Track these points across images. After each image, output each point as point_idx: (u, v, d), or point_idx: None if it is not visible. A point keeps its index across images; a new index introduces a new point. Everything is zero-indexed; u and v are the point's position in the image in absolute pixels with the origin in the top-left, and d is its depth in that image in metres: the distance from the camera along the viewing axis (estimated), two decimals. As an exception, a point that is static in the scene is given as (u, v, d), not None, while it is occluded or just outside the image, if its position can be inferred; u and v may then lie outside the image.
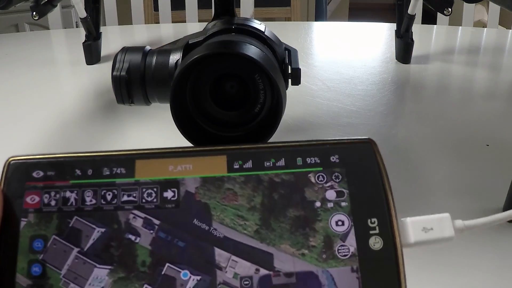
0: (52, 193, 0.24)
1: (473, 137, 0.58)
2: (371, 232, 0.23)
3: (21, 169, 0.25)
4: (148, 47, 0.46)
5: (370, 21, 1.17)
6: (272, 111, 0.42)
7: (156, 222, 0.24)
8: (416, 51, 0.86)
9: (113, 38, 1.06)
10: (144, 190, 0.24)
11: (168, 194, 0.24)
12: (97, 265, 0.23)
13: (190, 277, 0.23)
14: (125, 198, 0.24)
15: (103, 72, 0.82)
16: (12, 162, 0.25)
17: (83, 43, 0.82)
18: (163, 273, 0.23)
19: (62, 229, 0.23)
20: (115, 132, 0.60)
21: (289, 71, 0.45)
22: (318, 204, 0.24)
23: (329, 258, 0.23)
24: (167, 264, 0.23)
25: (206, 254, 0.23)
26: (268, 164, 0.25)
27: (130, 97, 0.44)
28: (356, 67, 0.83)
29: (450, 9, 0.73)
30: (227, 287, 0.23)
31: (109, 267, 0.23)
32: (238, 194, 0.24)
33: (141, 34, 1.13)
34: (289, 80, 0.45)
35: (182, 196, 0.24)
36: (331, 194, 0.24)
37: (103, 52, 0.87)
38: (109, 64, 0.81)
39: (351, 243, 0.23)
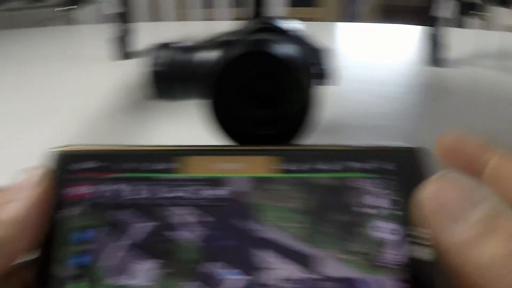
0: (103, 185, 0.24)
1: (504, 143, 0.57)
2: (424, 243, 0.22)
3: (71, 159, 0.24)
4: (185, 43, 0.46)
5: (402, 23, 1.16)
6: (304, 111, 0.42)
7: (208, 219, 0.23)
8: (447, 54, 0.86)
9: (143, 35, 1.06)
10: (197, 186, 0.24)
11: (221, 191, 0.24)
12: (146, 260, 0.23)
13: (239, 277, 0.23)
14: (178, 193, 0.24)
15: (132, 67, 0.82)
16: (62, 152, 0.24)
17: (114, 38, 0.83)
18: (212, 271, 0.23)
19: (111, 222, 0.23)
20: (148, 128, 0.60)
21: (323, 72, 0.45)
22: (372, 211, 0.23)
23: (378, 266, 0.22)
24: (217, 263, 0.23)
25: (255, 255, 0.23)
26: (323, 167, 0.24)
27: (166, 92, 0.44)
28: (387, 69, 0.83)
29: (483, 13, 0.73)
30: None
31: (158, 262, 0.23)
32: (290, 196, 0.24)
33: (171, 31, 1.13)
34: (323, 81, 0.45)
35: (235, 195, 0.24)
36: (385, 202, 0.23)
37: (133, 48, 0.88)
38: (139, 60, 0.82)
39: (403, 252, 0.23)
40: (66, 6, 0.76)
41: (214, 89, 0.40)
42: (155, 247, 0.23)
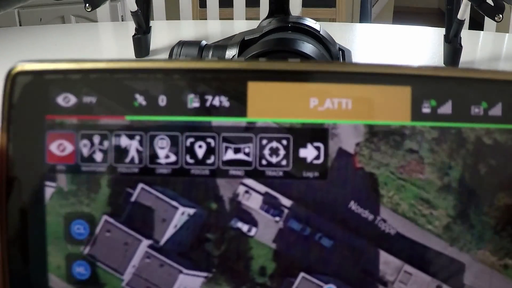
0: (96, 138, 0.14)
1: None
2: None
3: (36, 90, 0.14)
4: (204, 42, 0.46)
5: (414, 24, 1.16)
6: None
7: (286, 202, 0.14)
8: (463, 56, 0.86)
9: (161, 33, 1.07)
10: (264, 142, 0.14)
11: (308, 152, 0.14)
12: (184, 270, 0.14)
13: None
14: (230, 155, 0.14)
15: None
16: (20, 75, 0.14)
17: (133, 36, 0.84)
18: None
19: (119, 205, 0.14)
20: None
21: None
22: None
23: None
24: (302, 275, 0.14)
25: (365, 260, 0.14)
26: (476, 110, 0.14)
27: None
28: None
29: (501, 16, 0.73)
30: None
31: (205, 274, 0.14)
32: (426, 162, 0.14)
33: (188, 29, 1.14)
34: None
35: (333, 159, 0.14)
36: None
37: (151, 46, 0.89)
38: (158, 57, 0.82)
39: None
40: (87, 3, 0.77)
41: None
42: (198, 250, 0.14)
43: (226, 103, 0.14)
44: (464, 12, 0.77)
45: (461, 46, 0.82)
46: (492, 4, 0.71)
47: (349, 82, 0.14)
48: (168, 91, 0.14)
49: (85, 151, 0.14)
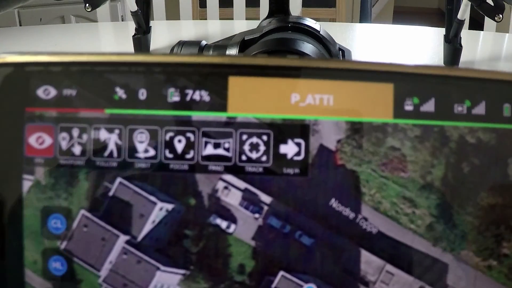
0: (75, 131, 0.14)
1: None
2: None
3: (16, 82, 0.14)
4: (204, 42, 0.46)
5: (414, 24, 1.16)
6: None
7: (266, 199, 0.14)
8: (463, 56, 0.85)
9: (161, 33, 1.07)
10: (244, 137, 0.14)
11: (289, 148, 0.14)
12: (162, 267, 0.14)
13: None
14: (210, 150, 0.14)
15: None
16: (1, 67, 0.14)
17: (133, 36, 0.84)
18: (273, 286, 0.14)
19: (96, 200, 0.14)
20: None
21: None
22: None
23: None
24: (281, 273, 0.14)
25: (346, 259, 0.14)
26: (460, 109, 0.14)
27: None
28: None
29: (501, 16, 0.73)
30: None
31: (183, 271, 0.14)
32: (409, 160, 0.14)
33: (188, 29, 1.14)
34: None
35: (314, 155, 0.14)
36: None
37: (151, 46, 0.89)
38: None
39: None
40: (87, 3, 0.77)
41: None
42: (176, 246, 0.14)
43: (206, 97, 0.14)
44: (464, 12, 0.77)
45: (461, 46, 0.82)
46: (492, 4, 0.71)
47: (331, 78, 0.14)
48: (148, 85, 0.14)
49: (64, 144, 0.14)
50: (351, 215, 0.14)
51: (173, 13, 1.27)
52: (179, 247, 0.14)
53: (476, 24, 1.19)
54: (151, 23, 0.92)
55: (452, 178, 0.14)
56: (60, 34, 1.06)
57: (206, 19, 1.25)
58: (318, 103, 0.14)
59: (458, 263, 0.14)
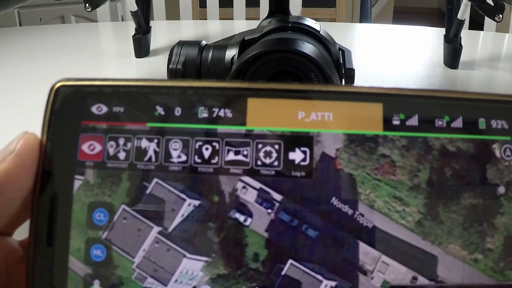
0: (121, 140, 0.17)
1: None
2: None
3: (74, 100, 0.17)
4: (204, 42, 0.46)
5: (414, 24, 1.16)
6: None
7: (277, 197, 0.16)
8: (463, 56, 0.85)
9: (161, 33, 1.07)
10: (260, 146, 0.17)
11: (296, 155, 0.17)
12: (188, 255, 0.16)
13: (322, 281, 0.16)
14: (231, 156, 0.17)
15: (152, 65, 0.82)
16: (62, 88, 0.17)
17: (133, 36, 0.83)
18: (283, 273, 0.16)
19: (135, 197, 0.16)
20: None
21: (343, 71, 0.45)
22: (501, 190, 0.16)
23: (508, 268, 0.16)
24: (290, 261, 0.16)
25: (346, 250, 0.16)
26: (440, 123, 0.17)
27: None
28: (404, 70, 0.83)
29: (501, 16, 0.72)
30: None
31: (205, 258, 0.16)
32: (397, 165, 0.17)
33: (188, 29, 1.14)
34: (343, 80, 0.46)
35: (317, 161, 0.17)
36: None
37: (151, 46, 0.89)
38: (158, 57, 0.81)
39: None
40: (87, 3, 0.77)
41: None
42: (201, 236, 0.16)
43: (229, 114, 0.17)
44: (464, 12, 0.77)
45: (461, 46, 0.82)
46: (492, 4, 0.71)
47: (331, 99, 0.17)
48: (182, 104, 0.17)
49: (111, 151, 0.17)
50: (350, 212, 0.16)
51: (173, 13, 1.27)
52: (203, 237, 0.16)
53: (476, 24, 1.19)
54: (151, 23, 0.92)
55: (436, 181, 0.17)
56: (60, 34, 1.06)
57: (206, 19, 1.25)
58: (320, 119, 0.17)
59: (446, 256, 0.16)
